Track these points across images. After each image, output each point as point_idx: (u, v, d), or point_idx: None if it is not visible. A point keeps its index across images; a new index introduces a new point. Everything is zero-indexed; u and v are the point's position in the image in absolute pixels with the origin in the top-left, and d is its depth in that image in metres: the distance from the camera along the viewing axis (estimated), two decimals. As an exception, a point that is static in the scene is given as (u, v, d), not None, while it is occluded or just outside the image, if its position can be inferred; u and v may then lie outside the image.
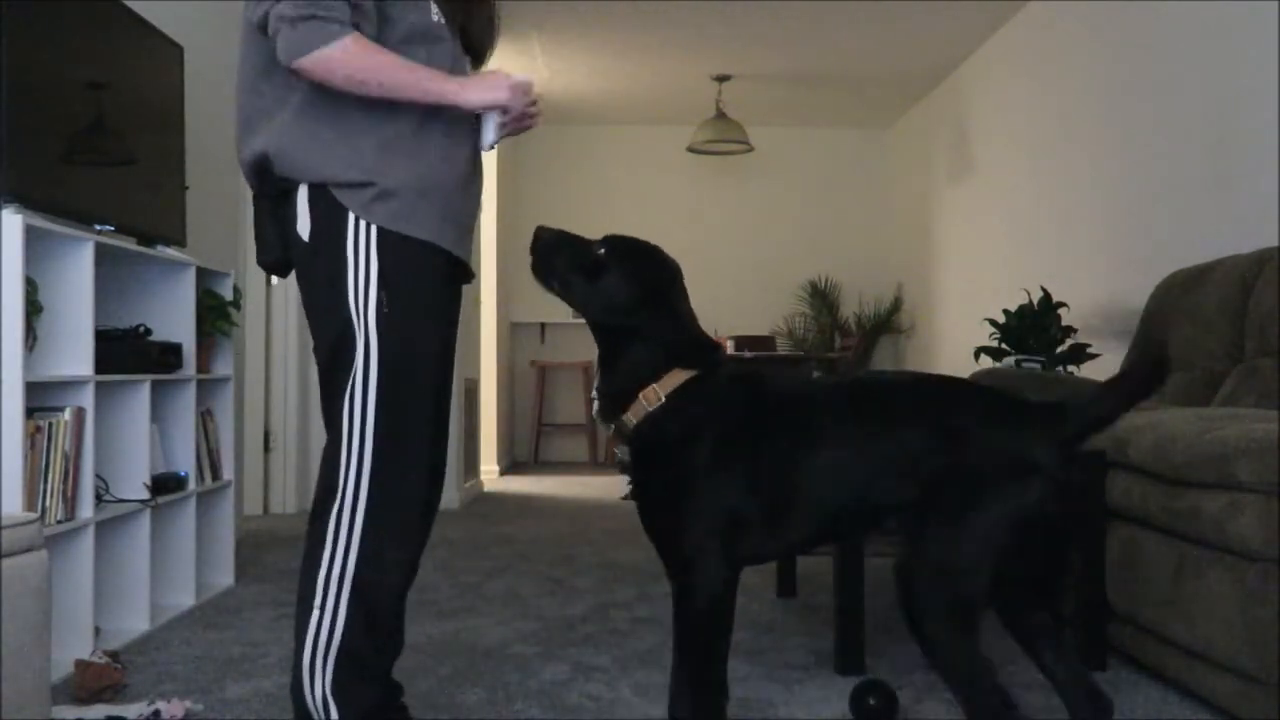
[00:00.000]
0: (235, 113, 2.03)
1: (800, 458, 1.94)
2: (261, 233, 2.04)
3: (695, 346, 2.04)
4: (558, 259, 2.04)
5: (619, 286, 2.01)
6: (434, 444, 2.05)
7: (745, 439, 1.96)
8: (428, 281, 1.99)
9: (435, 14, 2.00)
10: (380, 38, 1.93)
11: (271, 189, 1.99)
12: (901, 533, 1.91)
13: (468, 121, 2.03)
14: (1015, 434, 1.85)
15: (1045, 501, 1.80)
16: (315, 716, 1.93)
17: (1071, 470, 1.84)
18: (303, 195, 1.95)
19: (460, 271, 2.10)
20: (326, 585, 1.92)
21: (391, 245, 1.93)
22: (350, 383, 1.93)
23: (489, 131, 2.02)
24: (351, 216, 1.92)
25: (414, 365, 1.97)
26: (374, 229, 1.92)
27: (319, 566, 1.93)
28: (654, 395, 1.98)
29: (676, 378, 1.98)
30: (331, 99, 1.92)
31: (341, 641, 1.92)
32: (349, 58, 1.86)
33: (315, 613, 1.92)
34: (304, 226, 1.96)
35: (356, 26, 1.88)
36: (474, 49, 2.13)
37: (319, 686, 1.92)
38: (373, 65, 1.88)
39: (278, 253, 2.03)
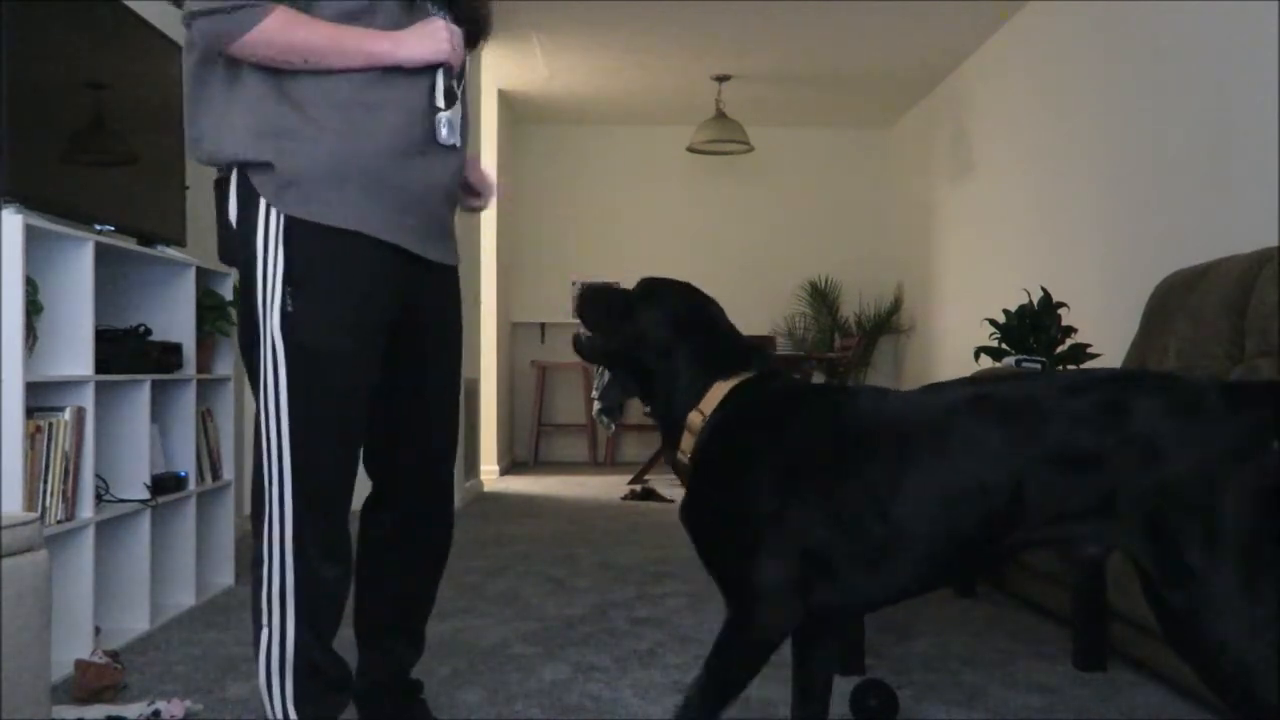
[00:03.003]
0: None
1: (908, 476, 1.69)
2: (219, 224, 1.95)
3: (731, 352, 1.90)
4: (591, 309, 1.99)
5: (648, 319, 1.91)
6: (365, 445, 1.98)
7: (821, 457, 1.75)
8: (352, 274, 1.84)
9: None
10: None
11: (219, 171, 1.92)
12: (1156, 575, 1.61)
13: (400, 85, 1.84)
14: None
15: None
16: None
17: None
18: (234, 181, 1.87)
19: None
20: (269, 601, 1.89)
21: (303, 236, 1.80)
22: (263, 389, 1.84)
23: (439, 95, 1.80)
24: (263, 204, 1.81)
25: (325, 368, 1.84)
26: (283, 218, 1.79)
27: (261, 584, 1.91)
28: (698, 418, 1.84)
29: (717, 392, 1.84)
30: (233, 76, 1.80)
31: (295, 655, 1.90)
32: (266, 38, 1.72)
33: (264, 629, 1.90)
34: (233, 214, 1.87)
35: None
36: (471, 29, 1.95)
37: (278, 701, 1.91)
38: (294, 43, 1.73)
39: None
